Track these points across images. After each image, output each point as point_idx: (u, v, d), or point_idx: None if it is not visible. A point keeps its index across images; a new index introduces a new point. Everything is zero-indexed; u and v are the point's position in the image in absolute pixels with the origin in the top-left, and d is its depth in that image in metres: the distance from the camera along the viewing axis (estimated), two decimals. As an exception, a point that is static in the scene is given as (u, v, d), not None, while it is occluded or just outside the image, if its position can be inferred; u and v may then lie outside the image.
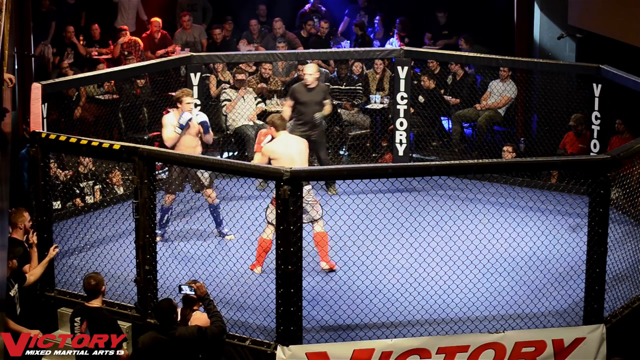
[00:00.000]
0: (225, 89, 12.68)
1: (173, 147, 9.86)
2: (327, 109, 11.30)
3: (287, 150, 9.27)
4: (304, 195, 8.95)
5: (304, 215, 9.17)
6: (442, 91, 12.92)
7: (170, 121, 9.95)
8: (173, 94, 12.80)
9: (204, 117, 10.04)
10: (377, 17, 15.93)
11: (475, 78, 13.31)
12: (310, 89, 11.12)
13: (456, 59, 12.61)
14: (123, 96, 12.66)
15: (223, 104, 12.53)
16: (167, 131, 9.94)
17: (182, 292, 7.48)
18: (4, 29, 8.82)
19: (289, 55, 13.24)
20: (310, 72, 11.11)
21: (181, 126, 9.83)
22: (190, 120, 9.86)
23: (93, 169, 11.07)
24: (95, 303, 7.58)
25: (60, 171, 10.81)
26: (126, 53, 13.96)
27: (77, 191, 10.82)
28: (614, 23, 12.45)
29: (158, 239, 9.75)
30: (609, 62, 11.14)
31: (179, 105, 9.96)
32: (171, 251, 8.67)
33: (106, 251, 9.26)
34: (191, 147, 9.94)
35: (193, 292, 7.46)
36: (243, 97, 12.47)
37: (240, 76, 12.56)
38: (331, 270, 9.28)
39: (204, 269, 8.56)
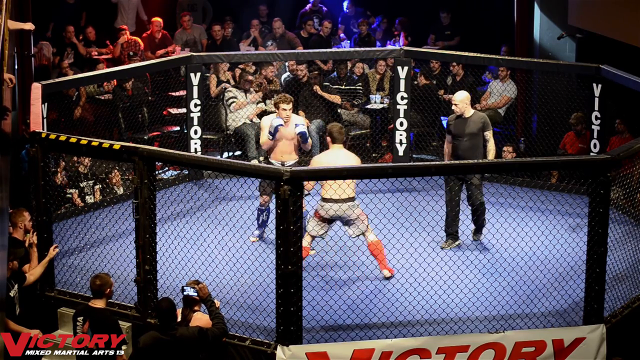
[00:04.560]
0: (227, 88, 12.67)
1: (270, 151, 9.76)
2: (491, 149, 9.82)
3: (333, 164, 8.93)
4: (348, 213, 8.89)
5: (350, 230, 9.11)
6: (442, 92, 12.92)
7: (266, 124, 9.75)
8: (173, 93, 12.88)
9: (302, 128, 9.67)
10: (378, 19, 15.96)
11: (483, 81, 13.35)
12: (461, 119, 9.83)
13: (456, 59, 12.60)
14: (117, 98, 12.65)
15: (230, 101, 12.49)
16: (262, 135, 9.80)
17: (185, 292, 7.48)
18: (4, 29, 8.82)
19: (289, 55, 13.25)
20: (457, 99, 9.80)
21: (271, 132, 9.61)
22: (279, 126, 9.57)
23: (85, 171, 11.06)
24: (99, 303, 7.58)
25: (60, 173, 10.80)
26: (131, 53, 13.96)
27: (70, 195, 10.80)
28: (614, 23, 12.45)
29: (254, 239, 9.79)
30: (609, 62, 11.14)
31: (277, 110, 9.76)
32: (171, 251, 8.66)
33: (106, 251, 9.27)
34: (286, 152, 9.76)
35: (196, 294, 7.47)
36: (246, 96, 12.49)
37: (248, 77, 12.58)
38: (390, 276, 9.13)
39: (204, 269, 8.56)
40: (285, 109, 9.64)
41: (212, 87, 12.84)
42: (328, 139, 9.19)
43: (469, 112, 9.82)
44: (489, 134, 9.83)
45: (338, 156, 9.04)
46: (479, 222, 9.90)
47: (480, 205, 9.79)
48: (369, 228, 9.13)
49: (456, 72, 13.03)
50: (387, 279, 9.05)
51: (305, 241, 9.00)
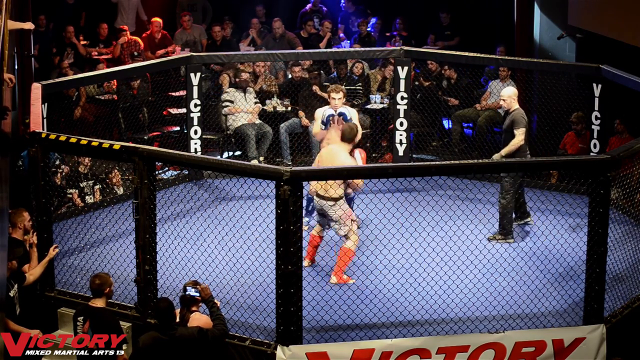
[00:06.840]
0: (227, 90, 12.68)
1: (322, 141, 9.90)
2: (512, 143, 9.93)
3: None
4: (331, 208, 8.91)
5: (332, 224, 9.12)
6: (440, 93, 12.92)
7: (319, 115, 10.15)
8: (173, 93, 12.89)
9: (344, 110, 10.07)
10: (375, 19, 15.97)
11: (480, 83, 13.35)
12: (506, 113, 10.19)
13: (456, 59, 12.60)
14: (121, 97, 12.66)
15: (225, 104, 12.50)
16: (315, 125, 10.17)
17: (187, 293, 7.48)
18: (4, 29, 8.82)
19: (289, 55, 13.24)
20: (504, 95, 10.15)
21: (323, 122, 10.03)
22: (331, 117, 9.98)
23: (86, 171, 11.06)
24: (99, 303, 7.58)
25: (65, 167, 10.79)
26: (135, 53, 13.97)
27: (70, 195, 10.80)
28: (614, 23, 12.45)
29: (305, 227, 9.56)
30: (609, 62, 11.14)
31: (328, 98, 10.20)
32: (171, 251, 8.67)
33: (106, 251, 9.27)
34: (336, 140, 9.62)
35: (198, 294, 7.47)
36: (245, 96, 12.48)
37: (244, 75, 12.59)
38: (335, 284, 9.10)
39: (204, 269, 8.56)
40: (334, 98, 10.04)
41: (225, 84, 12.90)
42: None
43: (512, 106, 10.04)
44: (516, 131, 9.90)
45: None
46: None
47: (499, 205, 9.91)
48: (353, 233, 9.09)
49: (449, 75, 13.03)
50: (333, 284, 8.99)
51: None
